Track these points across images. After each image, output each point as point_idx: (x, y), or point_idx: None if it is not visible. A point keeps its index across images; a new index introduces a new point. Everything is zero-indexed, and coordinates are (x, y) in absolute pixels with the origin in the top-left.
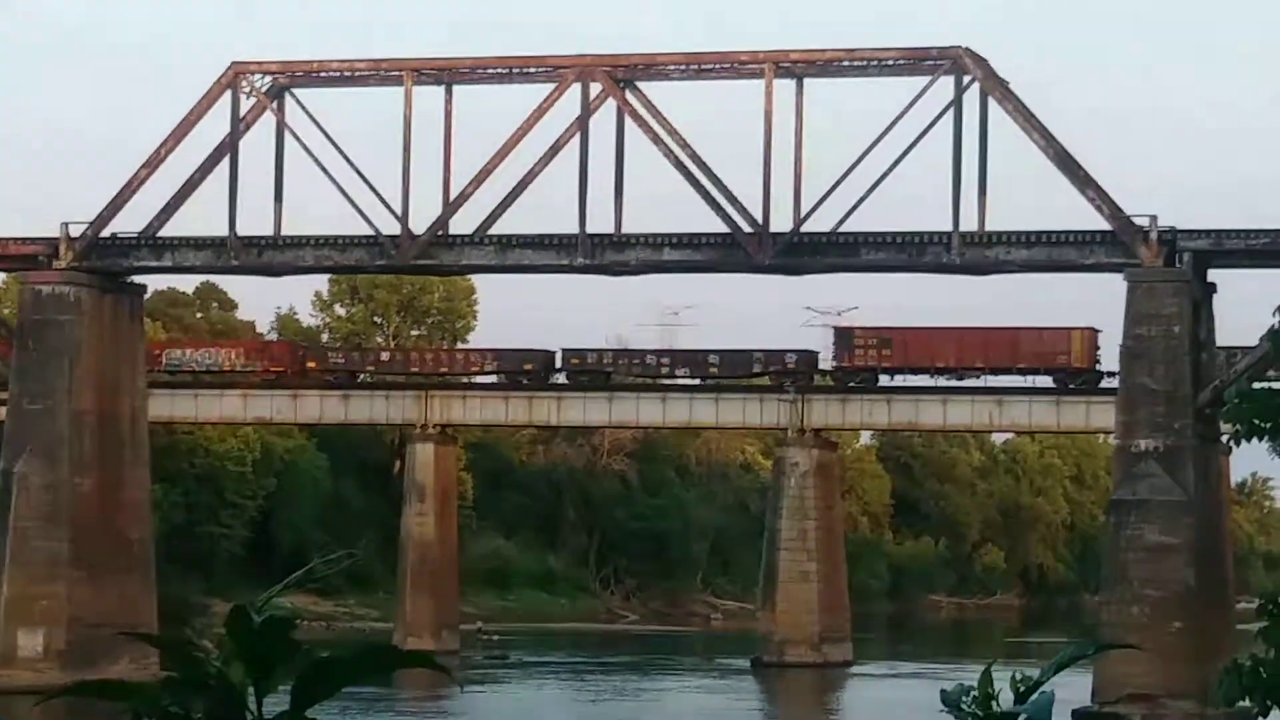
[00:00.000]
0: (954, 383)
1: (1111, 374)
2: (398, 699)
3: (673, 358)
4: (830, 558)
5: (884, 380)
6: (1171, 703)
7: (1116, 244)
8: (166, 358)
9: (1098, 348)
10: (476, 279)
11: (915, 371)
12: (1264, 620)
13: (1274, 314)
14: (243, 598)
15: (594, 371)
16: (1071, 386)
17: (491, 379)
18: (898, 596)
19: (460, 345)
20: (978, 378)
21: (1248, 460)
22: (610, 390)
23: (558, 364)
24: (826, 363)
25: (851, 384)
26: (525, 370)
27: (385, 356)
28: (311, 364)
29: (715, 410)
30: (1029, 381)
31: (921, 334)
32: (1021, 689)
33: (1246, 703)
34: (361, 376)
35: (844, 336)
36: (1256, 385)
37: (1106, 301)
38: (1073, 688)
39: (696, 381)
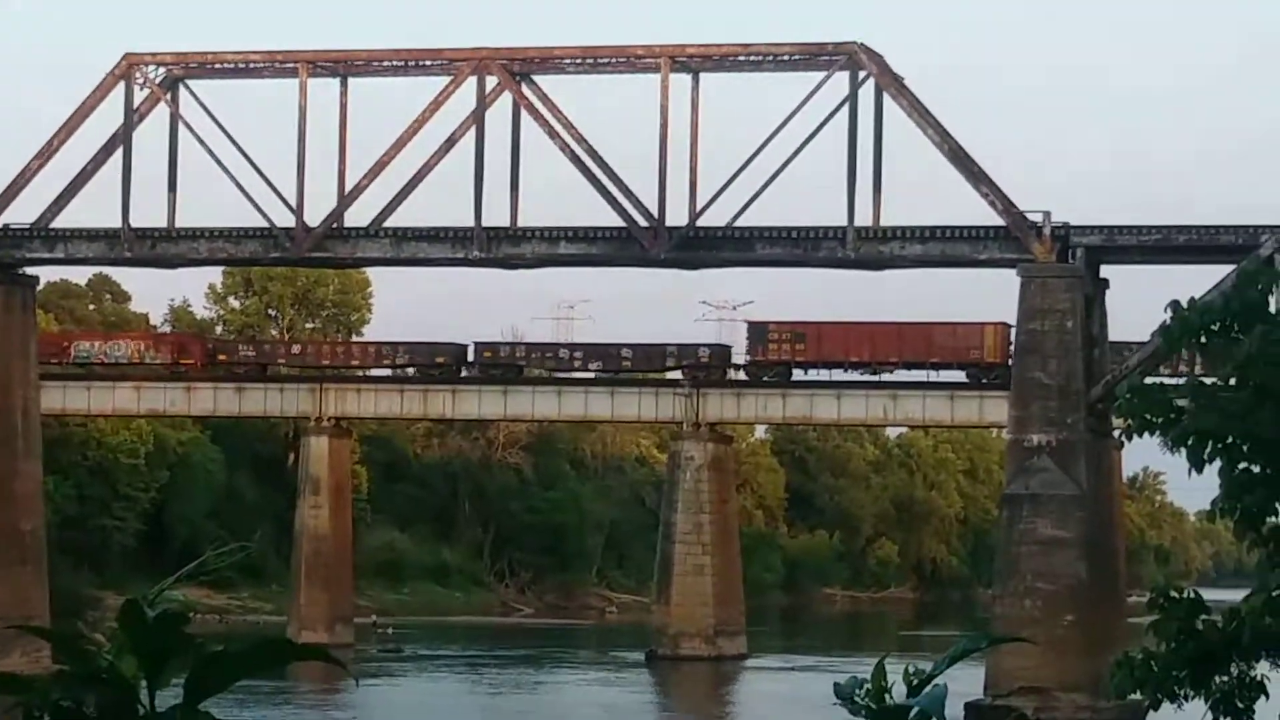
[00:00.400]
0: (865, 377)
1: None
2: (292, 692)
3: (585, 352)
4: (725, 551)
5: (798, 375)
6: (1063, 695)
7: (1010, 240)
8: (75, 350)
9: (1010, 343)
10: (372, 272)
11: (829, 366)
12: (1155, 613)
13: (1165, 309)
14: (135, 591)
15: (506, 365)
16: (985, 381)
17: (386, 372)
18: (792, 590)
19: (358, 338)
20: (891, 373)
21: (1140, 455)
22: (505, 384)
23: (470, 357)
24: (740, 357)
25: (765, 378)
26: (437, 364)
27: (296, 350)
28: (222, 357)
29: (611, 404)
30: (940, 376)
31: (836, 329)
32: (915, 682)
33: (1138, 695)
34: (270, 370)
35: (758, 331)
36: (1148, 380)
37: (1011, 297)
38: (965, 681)
39: (591, 375)
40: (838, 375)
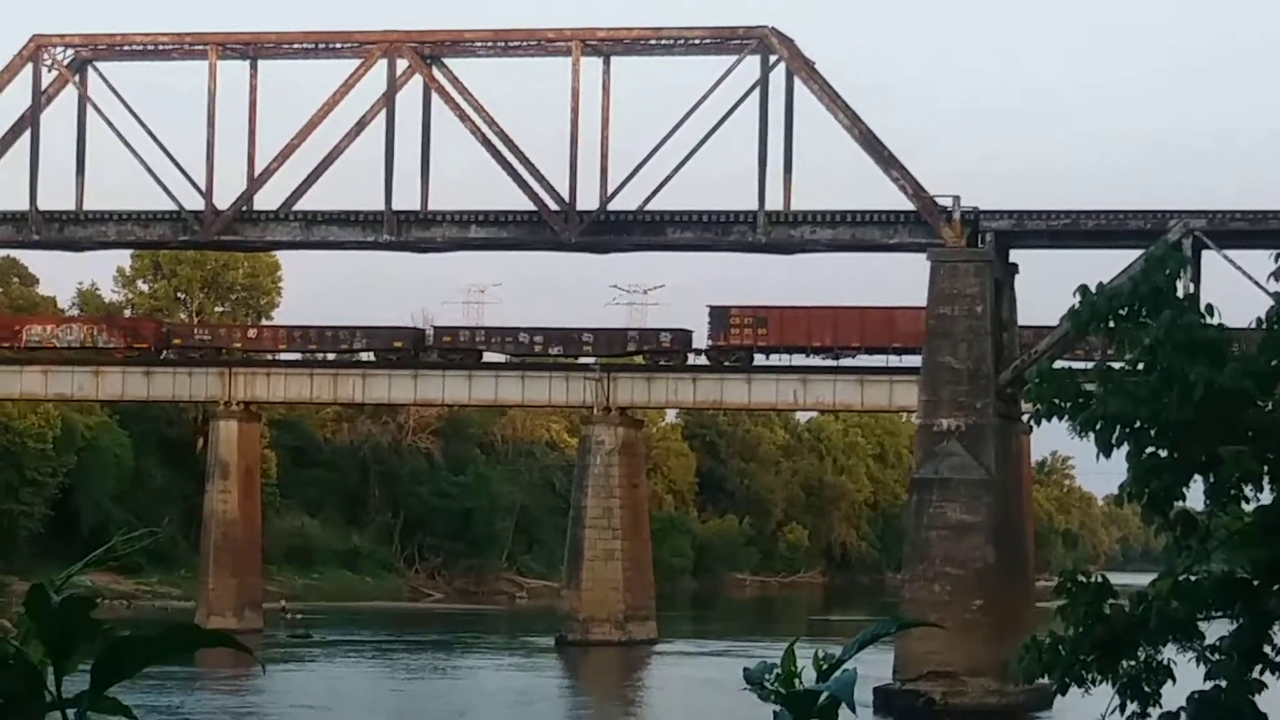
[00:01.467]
0: (828, 362)
1: None
2: (201, 678)
3: (545, 336)
4: (635, 536)
5: (759, 359)
6: (971, 680)
7: (920, 224)
8: (27, 334)
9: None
10: (281, 255)
11: (791, 351)
12: (1063, 597)
13: (1074, 294)
14: (42, 576)
15: (466, 350)
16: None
17: (296, 356)
18: (703, 574)
19: (280, 323)
20: (854, 357)
21: (1048, 440)
22: (416, 368)
23: (429, 342)
24: (702, 342)
25: (727, 363)
26: (395, 348)
27: (253, 334)
28: (177, 341)
29: (521, 388)
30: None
31: (799, 313)
32: (824, 667)
33: (1045, 679)
34: (225, 353)
35: (719, 316)
36: (1057, 365)
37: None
38: (875, 665)
39: (503, 360)
40: (817, 361)
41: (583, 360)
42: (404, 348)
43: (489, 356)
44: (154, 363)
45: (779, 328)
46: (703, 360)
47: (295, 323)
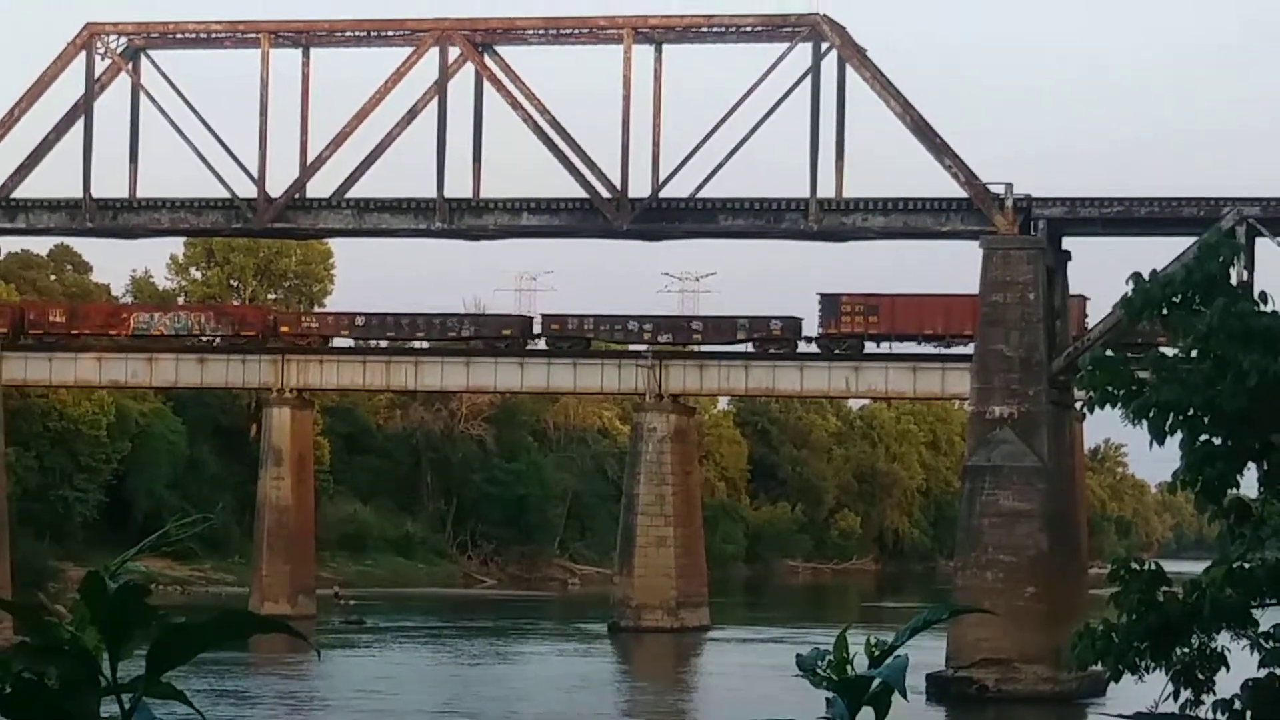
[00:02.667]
0: (943, 350)
1: None
2: (254, 664)
3: (655, 323)
4: (687, 523)
5: (870, 348)
6: (1025, 667)
7: (972, 211)
8: (135, 321)
9: (1086, 315)
10: (334, 243)
11: (902, 339)
12: (1116, 585)
13: (1127, 281)
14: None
15: (574, 338)
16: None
17: (349, 343)
18: (755, 561)
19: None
20: (965, 345)
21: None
22: (468, 355)
23: (536, 330)
24: (812, 330)
25: (837, 351)
26: (504, 336)
27: (360, 322)
28: (284, 329)
29: (573, 375)
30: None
31: (910, 301)
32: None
33: (1099, 666)
34: (336, 341)
35: (830, 303)
36: (1109, 352)
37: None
38: (927, 652)
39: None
40: (929, 349)
41: (634, 347)
42: (513, 335)
43: (601, 345)
44: (207, 350)
45: (890, 316)
46: (813, 349)
47: (378, 310)
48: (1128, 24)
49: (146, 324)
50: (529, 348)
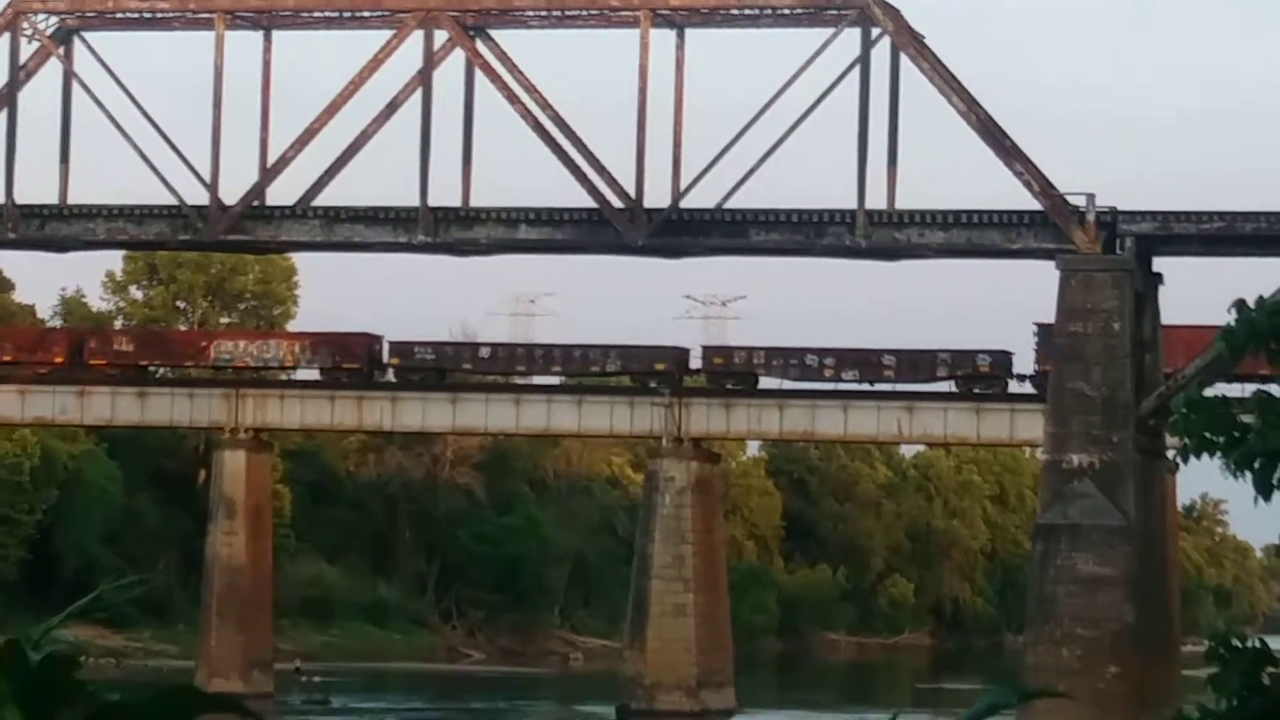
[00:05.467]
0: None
1: None
2: None
3: (837, 357)
4: (711, 588)
5: None
6: None
7: (1048, 226)
8: (215, 351)
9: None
10: (298, 258)
11: None
12: (1214, 665)
13: (1229, 310)
14: (18, 630)
15: (741, 374)
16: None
17: (314, 375)
18: (789, 634)
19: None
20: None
21: (1198, 480)
22: (454, 390)
23: (695, 364)
24: (1027, 366)
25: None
26: (656, 371)
27: (485, 354)
28: (394, 360)
29: (577, 415)
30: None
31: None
32: None
33: None
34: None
35: (1048, 335)
36: (1208, 393)
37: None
38: None
39: (556, 381)
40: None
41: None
42: (667, 369)
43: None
44: (149, 382)
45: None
46: (1026, 388)
47: (499, 340)
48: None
49: (230, 354)
50: (686, 384)
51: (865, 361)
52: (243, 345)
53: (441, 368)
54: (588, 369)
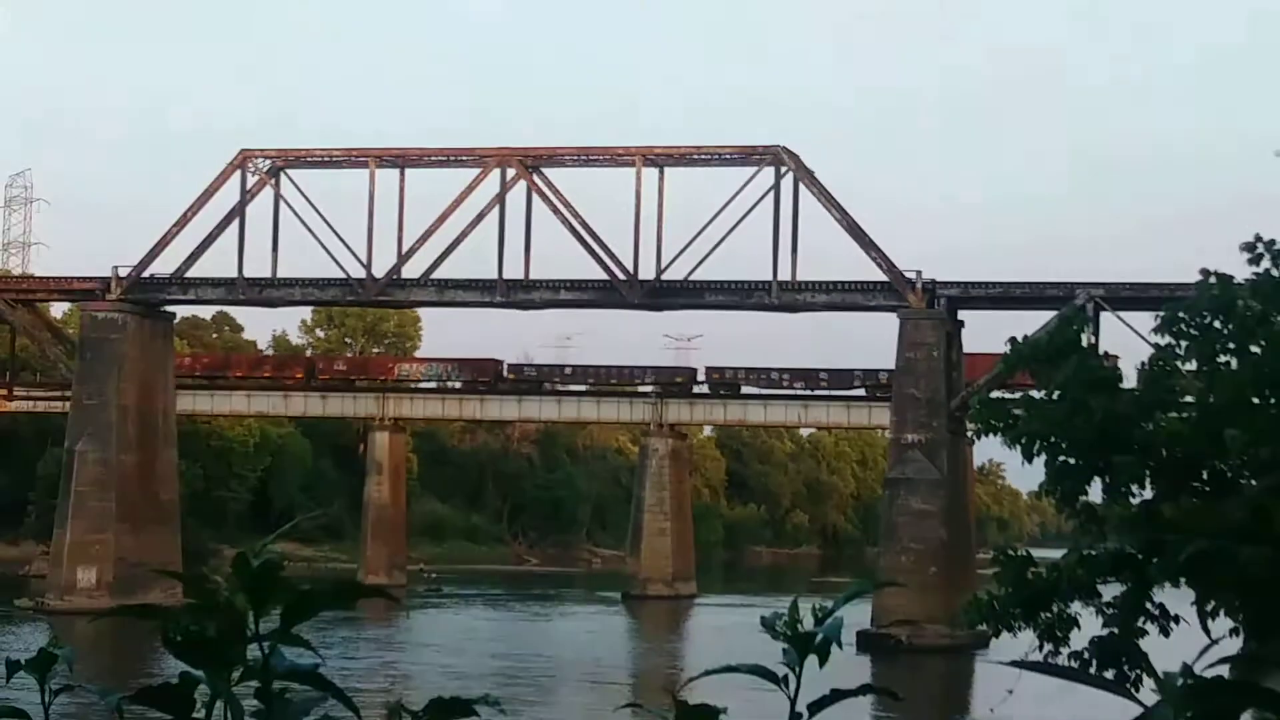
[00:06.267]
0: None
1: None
2: (360, 621)
3: (793, 374)
4: (680, 519)
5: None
6: (929, 626)
7: (892, 291)
8: (399, 370)
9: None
10: (421, 310)
11: None
12: (997, 566)
13: (1006, 343)
14: (245, 545)
15: (729, 384)
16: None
17: (433, 384)
18: (730, 548)
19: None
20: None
21: (986, 450)
22: (520, 394)
23: (700, 377)
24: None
25: None
26: (676, 383)
27: (569, 370)
28: (510, 376)
29: (597, 409)
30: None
31: None
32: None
33: (984, 626)
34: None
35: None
36: (993, 395)
37: (892, 335)
38: (857, 615)
39: (584, 388)
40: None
41: (642, 389)
42: (683, 382)
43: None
44: (330, 388)
45: None
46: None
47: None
48: (1001, 156)
49: (406, 372)
50: (694, 391)
51: (809, 375)
52: (414, 366)
53: (539, 380)
54: (630, 381)
